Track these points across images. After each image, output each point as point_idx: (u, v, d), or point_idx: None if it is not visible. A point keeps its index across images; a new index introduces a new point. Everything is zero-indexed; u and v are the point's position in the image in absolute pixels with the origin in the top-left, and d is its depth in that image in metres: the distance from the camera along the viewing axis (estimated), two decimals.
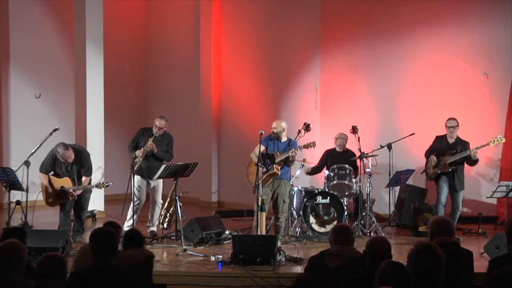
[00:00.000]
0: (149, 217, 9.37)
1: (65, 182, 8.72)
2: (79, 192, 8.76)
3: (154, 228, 9.35)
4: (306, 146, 8.78)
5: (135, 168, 9.02)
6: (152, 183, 9.29)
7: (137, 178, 9.20)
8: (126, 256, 5.27)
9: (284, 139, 8.97)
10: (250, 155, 8.97)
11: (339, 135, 10.12)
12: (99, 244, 4.65)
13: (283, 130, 8.97)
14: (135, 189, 9.13)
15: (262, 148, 8.77)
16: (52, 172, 8.82)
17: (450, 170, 9.11)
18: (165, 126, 9.24)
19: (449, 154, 9.15)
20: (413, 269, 4.21)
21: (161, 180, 9.30)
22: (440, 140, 9.39)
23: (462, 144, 9.21)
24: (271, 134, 8.96)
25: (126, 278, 4.58)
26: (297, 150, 8.71)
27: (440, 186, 9.25)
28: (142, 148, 9.09)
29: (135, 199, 9.12)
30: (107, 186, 9.00)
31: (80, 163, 8.83)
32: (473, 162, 9.16)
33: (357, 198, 9.61)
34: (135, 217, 9.09)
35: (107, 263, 4.57)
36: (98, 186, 8.94)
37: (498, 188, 8.79)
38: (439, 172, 9.19)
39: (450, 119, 9.33)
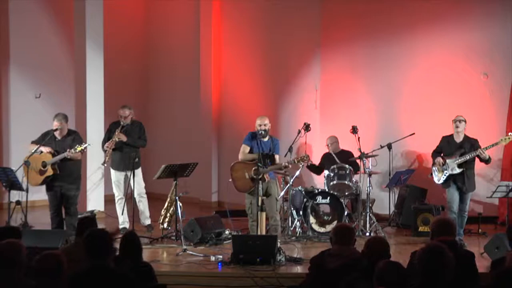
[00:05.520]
0: (139, 212, 9.45)
1: (45, 157, 8.62)
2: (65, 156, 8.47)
3: (149, 221, 9.45)
4: (300, 160, 8.70)
5: (105, 160, 9.14)
6: (130, 173, 9.13)
7: (112, 172, 9.31)
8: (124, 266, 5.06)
9: (267, 137, 8.94)
10: (239, 157, 8.88)
11: (329, 141, 10.13)
12: (94, 245, 4.58)
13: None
14: (113, 184, 9.23)
15: (248, 149, 8.76)
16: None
17: (460, 171, 8.69)
18: (129, 114, 9.40)
19: (456, 155, 8.71)
20: (421, 268, 4.19)
21: (139, 170, 9.27)
22: (447, 140, 8.96)
23: (470, 143, 8.79)
24: (261, 134, 8.80)
25: (125, 279, 4.55)
26: (290, 165, 8.63)
27: (450, 194, 8.80)
28: (110, 140, 9.19)
29: (116, 194, 9.22)
30: (86, 146, 8.74)
31: (73, 137, 8.75)
32: (486, 161, 8.76)
33: (354, 199, 9.63)
34: (124, 214, 9.19)
35: (104, 264, 4.54)
36: (79, 151, 8.51)
37: (498, 188, 8.73)
38: (447, 174, 8.76)
39: (457, 116, 8.92)
